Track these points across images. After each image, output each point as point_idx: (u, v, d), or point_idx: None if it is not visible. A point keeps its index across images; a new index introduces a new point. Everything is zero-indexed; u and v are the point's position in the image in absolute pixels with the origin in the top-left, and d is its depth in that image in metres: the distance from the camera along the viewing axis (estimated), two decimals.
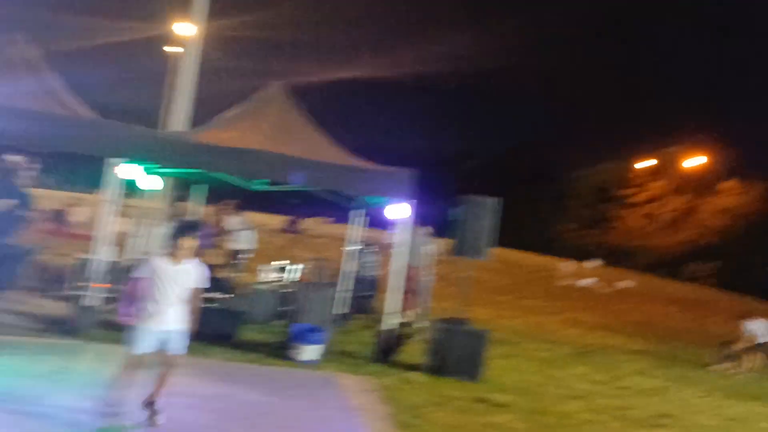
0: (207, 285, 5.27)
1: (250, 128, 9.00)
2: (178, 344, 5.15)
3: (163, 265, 5.06)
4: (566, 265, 27.79)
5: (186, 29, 13.82)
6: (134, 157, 8.27)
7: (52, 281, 10.32)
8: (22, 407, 5.03)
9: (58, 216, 18.04)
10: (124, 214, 15.48)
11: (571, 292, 24.18)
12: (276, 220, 24.09)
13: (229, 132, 8.90)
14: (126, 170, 8.18)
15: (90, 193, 21.87)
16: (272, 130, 9.05)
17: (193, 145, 8.24)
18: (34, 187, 27.47)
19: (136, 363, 4.98)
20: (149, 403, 5.12)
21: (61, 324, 7.89)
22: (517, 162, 53.01)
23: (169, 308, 5.02)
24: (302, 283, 9.10)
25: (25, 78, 8.32)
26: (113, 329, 8.03)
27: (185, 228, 5.20)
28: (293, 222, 24.45)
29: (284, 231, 23.46)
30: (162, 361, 5.12)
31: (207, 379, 6.71)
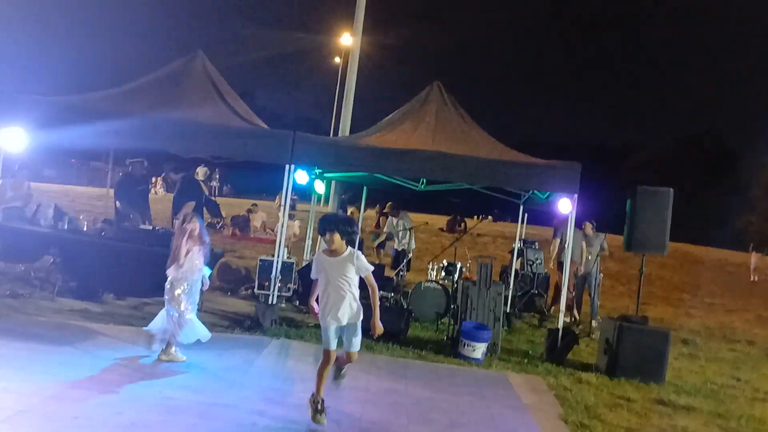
0: (371, 268, 5.27)
1: (411, 129, 9.19)
2: (353, 340, 5.27)
3: (324, 260, 5.24)
4: (754, 260, 25.47)
5: (348, 40, 14.39)
6: (307, 164, 8.76)
7: (238, 282, 11.19)
8: (211, 398, 5.48)
9: (241, 222, 19.43)
10: (298, 218, 16.47)
11: (759, 288, 22.16)
12: (439, 220, 24.36)
13: (393, 134, 9.14)
14: (300, 176, 8.67)
15: (268, 199, 23.38)
16: (433, 130, 9.17)
17: (360, 149, 8.55)
18: (219, 195, 29.95)
19: (327, 359, 5.20)
20: (317, 400, 5.24)
21: (246, 321, 8.51)
22: (694, 151, 49.47)
23: (339, 302, 5.13)
24: (468, 281, 9.11)
25: (205, 93, 9.06)
26: (293, 325, 8.61)
27: (327, 222, 5.26)
28: (456, 221, 24.51)
29: (447, 230, 23.58)
30: (340, 356, 5.31)
31: (379, 374, 6.93)
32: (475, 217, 33.70)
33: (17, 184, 10.26)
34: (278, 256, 8.57)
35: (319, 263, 5.28)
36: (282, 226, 8.74)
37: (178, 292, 6.48)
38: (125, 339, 7.01)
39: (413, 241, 12.62)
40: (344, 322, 5.17)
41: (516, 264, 11.84)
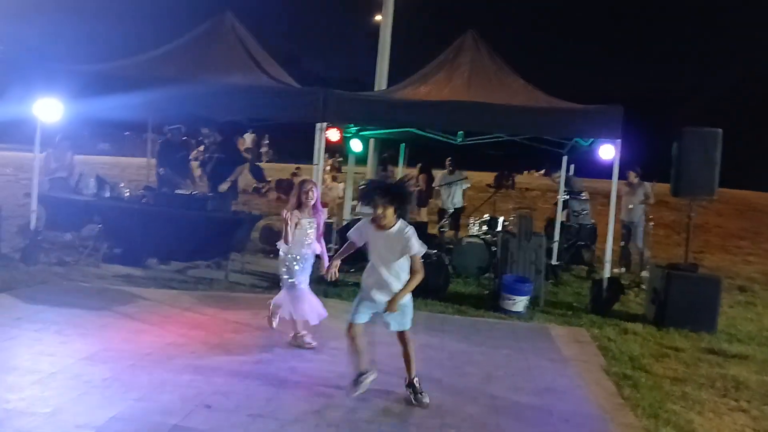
0: (420, 250, 4.55)
1: (445, 80, 8.93)
2: (395, 320, 4.71)
3: (370, 230, 4.63)
4: None
5: None
6: (339, 121, 8.62)
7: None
8: (243, 357, 5.48)
9: (286, 185, 19.48)
10: (337, 179, 16.39)
11: None
12: (482, 176, 23.93)
13: (426, 86, 8.91)
14: (332, 134, 8.54)
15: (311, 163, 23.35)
16: (468, 79, 8.89)
17: (391, 102, 8.36)
18: (266, 161, 30.06)
19: (354, 331, 4.67)
20: (408, 384, 4.80)
21: None
22: (750, 95, 47.20)
23: (380, 283, 4.56)
24: (508, 234, 8.89)
25: (235, 55, 8.96)
26: (330, 284, 8.56)
27: (377, 190, 4.52)
28: (503, 176, 24.02)
29: (494, 186, 23.16)
30: (398, 339, 4.82)
31: (414, 329, 6.71)
32: (525, 171, 33.02)
33: (60, 155, 10.44)
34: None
35: (363, 231, 4.67)
36: (318, 185, 8.64)
37: (288, 267, 5.82)
38: (163, 301, 7.09)
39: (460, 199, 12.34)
40: (382, 300, 4.60)
41: (562, 216, 11.51)
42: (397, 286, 4.59)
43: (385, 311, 4.60)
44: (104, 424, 3.88)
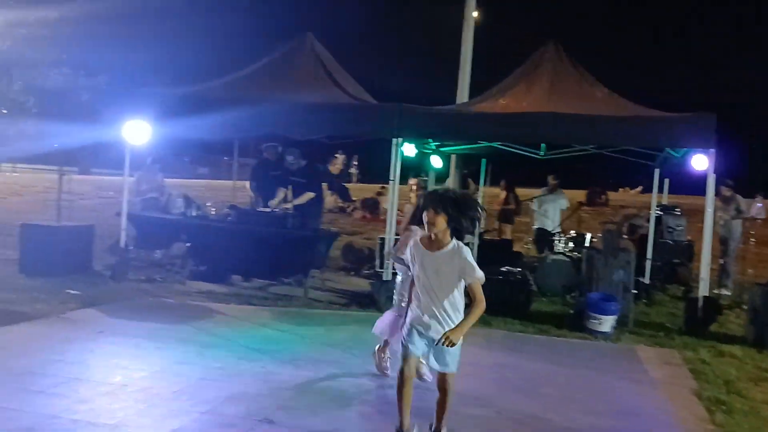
0: (481, 276, 3.86)
1: (525, 92, 8.70)
2: (444, 358, 3.92)
3: (420, 249, 3.91)
4: None
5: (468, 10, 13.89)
6: (415, 136, 8.55)
7: (361, 261, 11.23)
8: (312, 373, 5.42)
9: (371, 204, 19.60)
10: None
11: None
12: (572, 193, 23.27)
13: (505, 98, 8.70)
14: (407, 149, 8.47)
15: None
16: (548, 90, 8.62)
17: (465, 116, 8.21)
18: (355, 181, 30.41)
19: (409, 367, 3.94)
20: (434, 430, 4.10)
21: (363, 298, 8.47)
22: None
23: (429, 310, 3.87)
24: (593, 250, 8.49)
25: (314, 74, 9.08)
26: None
27: (433, 197, 3.85)
28: (595, 192, 23.25)
29: (587, 203, 22.44)
30: (439, 383, 4.05)
31: (491, 348, 6.61)
32: (620, 189, 31.88)
33: (150, 177, 10.87)
34: (389, 234, 8.43)
35: (413, 250, 3.93)
36: (392, 203, 8.59)
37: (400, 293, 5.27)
38: (240, 317, 7.18)
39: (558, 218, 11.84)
40: (431, 336, 3.88)
41: (656, 232, 10.93)
42: (453, 317, 3.86)
43: (440, 344, 3.78)
44: None
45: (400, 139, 8.20)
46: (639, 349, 6.88)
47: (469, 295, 3.90)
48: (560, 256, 10.00)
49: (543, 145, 10.49)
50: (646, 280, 10.10)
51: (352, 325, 7.03)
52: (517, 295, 8.36)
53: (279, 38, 10.23)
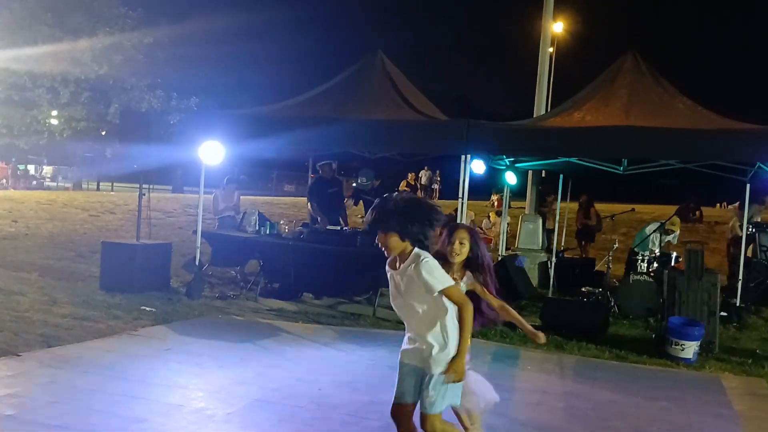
0: (446, 282, 3.26)
1: (601, 105, 8.36)
2: (428, 393, 3.28)
3: (389, 273, 3.42)
4: None
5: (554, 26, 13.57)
6: (484, 152, 8.34)
7: None
8: (368, 397, 5.29)
9: (449, 221, 19.33)
10: (511, 215, 15.95)
11: None
12: (656, 209, 22.22)
13: (580, 112, 8.39)
14: (477, 166, 8.27)
15: (480, 199, 23.13)
16: (626, 103, 8.24)
17: (536, 131, 7.95)
18: (436, 198, 30.25)
19: (403, 416, 3.44)
20: None
21: None
22: None
23: (409, 335, 3.41)
24: (676, 271, 8.00)
25: (384, 91, 9.04)
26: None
27: (376, 213, 3.29)
28: (688, 208, 22.08)
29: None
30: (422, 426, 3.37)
31: (561, 375, 6.32)
32: (718, 204, 30.26)
33: (227, 196, 11.10)
34: None
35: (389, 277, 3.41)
36: (461, 218, 8.39)
37: None
38: (305, 336, 7.15)
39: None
40: (409, 363, 3.36)
41: (747, 251, 10.21)
42: (436, 344, 3.27)
43: (438, 381, 3.25)
44: None
45: (469, 156, 8.03)
46: (724, 378, 6.39)
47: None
48: (643, 277, 9.49)
49: (624, 160, 10.04)
50: (737, 302, 9.43)
51: None
52: (594, 317, 7.98)
53: (355, 56, 10.20)
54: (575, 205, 13.60)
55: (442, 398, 3.28)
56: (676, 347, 6.98)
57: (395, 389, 3.38)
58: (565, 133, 7.76)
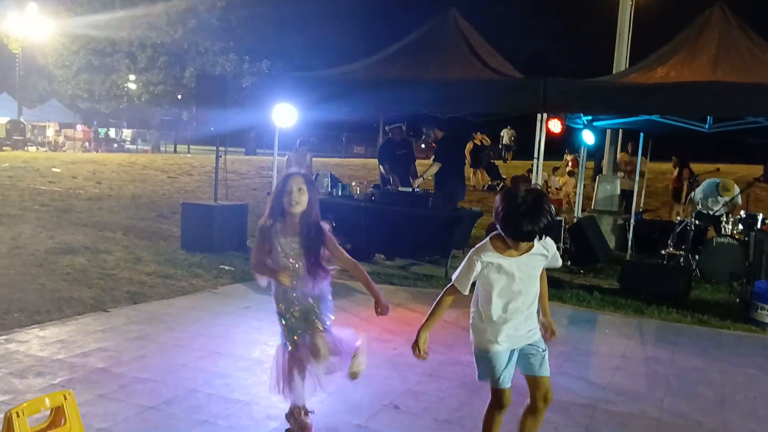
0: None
1: (686, 60, 7.93)
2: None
3: (499, 260, 3.09)
4: None
5: None
6: (561, 110, 8.10)
7: None
8: (442, 356, 5.31)
9: (522, 182, 19.04)
10: (574, 174, 15.56)
11: None
12: (741, 169, 21.19)
13: (664, 68, 7.99)
14: (553, 125, 8.05)
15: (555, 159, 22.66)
16: (714, 58, 7.79)
17: (615, 87, 7.64)
18: (509, 159, 29.68)
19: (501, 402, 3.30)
20: None
21: None
22: None
23: (522, 315, 3.20)
24: (763, 233, 7.64)
25: (457, 50, 8.85)
26: (553, 285, 8.07)
27: (534, 222, 2.92)
28: None
29: (764, 179, 20.39)
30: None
31: (642, 340, 6.16)
32: None
33: (299, 158, 11.21)
34: None
35: (484, 269, 3.13)
36: (536, 179, 8.23)
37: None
38: None
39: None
40: (526, 341, 3.22)
41: None
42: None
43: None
44: None
45: (545, 115, 7.81)
46: None
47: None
48: (728, 239, 9.12)
49: (709, 118, 9.57)
50: None
51: None
52: (676, 281, 7.73)
53: (428, 15, 10.00)
54: (655, 165, 13.14)
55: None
56: (763, 312, 6.71)
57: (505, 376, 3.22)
58: (648, 90, 7.43)
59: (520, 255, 3.09)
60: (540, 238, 3.04)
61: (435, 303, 3.34)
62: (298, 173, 3.60)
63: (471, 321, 3.31)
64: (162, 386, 4.31)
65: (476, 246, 3.20)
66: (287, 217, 3.53)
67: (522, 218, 2.91)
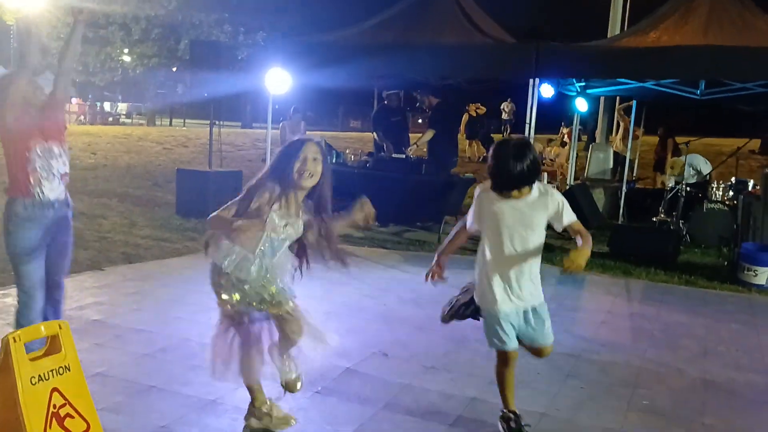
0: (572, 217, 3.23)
1: (679, 24, 7.94)
2: (545, 326, 3.34)
3: (495, 202, 3.19)
4: None
5: None
6: (554, 76, 8.14)
7: None
8: (432, 312, 5.40)
9: None
10: (563, 144, 15.60)
11: None
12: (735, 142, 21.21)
13: (656, 32, 8.01)
14: (545, 90, 8.09)
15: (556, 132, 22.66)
16: (705, 22, 7.81)
17: (607, 52, 7.67)
18: (509, 131, 29.27)
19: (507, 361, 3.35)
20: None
21: None
22: None
23: (521, 271, 3.22)
24: (751, 196, 7.74)
25: (450, 15, 8.85)
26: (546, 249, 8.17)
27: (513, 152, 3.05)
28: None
29: (760, 152, 20.48)
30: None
31: (628, 297, 6.29)
32: None
33: (294, 126, 11.24)
34: None
35: (484, 206, 3.25)
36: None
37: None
38: (371, 259, 7.32)
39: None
40: (528, 304, 3.26)
41: None
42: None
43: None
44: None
45: (537, 81, 7.84)
46: None
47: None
48: (718, 205, 9.21)
49: (701, 84, 9.61)
50: None
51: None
52: (664, 244, 7.84)
53: None
54: (647, 138, 13.18)
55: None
56: (749, 273, 6.82)
57: (508, 340, 3.30)
58: (639, 54, 7.44)
59: (517, 200, 3.16)
60: (528, 182, 3.12)
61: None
62: (313, 139, 3.07)
63: (476, 283, 3.39)
64: (157, 336, 4.41)
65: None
66: (290, 190, 2.96)
67: (508, 158, 3.04)
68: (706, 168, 10.55)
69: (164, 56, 30.38)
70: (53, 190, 3.54)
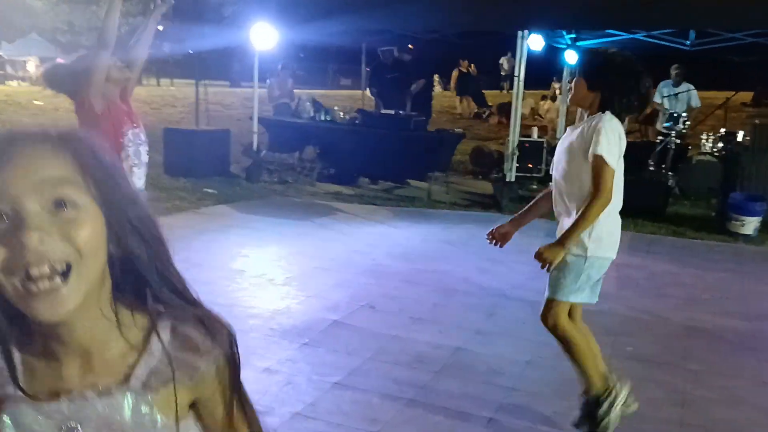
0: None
1: None
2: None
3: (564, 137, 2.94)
4: None
5: None
6: (543, 27, 8.05)
7: (490, 165, 10.99)
8: (421, 266, 5.44)
9: (509, 109, 18.97)
10: (553, 99, 15.50)
11: None
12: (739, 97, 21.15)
13: None
14: (534, 42, 8.01)
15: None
16: None
17: (591, 1, 7.56)
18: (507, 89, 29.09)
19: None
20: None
21: (486, 200, 8.33)
22: None
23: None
24: (740, 146, 7.74)
25: None
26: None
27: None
28: (765, 93, 20.98)
29: (752, 104, 20.45)
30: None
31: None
32: None
33: (282, 83, 11.13)
34: (513, 134, 8.13)
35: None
36: (516, 105, 8.22)
37: None
38: (361, 215, 7.31)
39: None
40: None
41: None
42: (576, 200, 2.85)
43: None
44: (269, 315, 4.10)
45: (526, 32, 7.75)
46: None
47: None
48: (707, 156, 9.21)
49: (691, 34, 9.52)
50: None
51: (470, 224, 6.92)
52: (652, 195, 7.84)
53: None
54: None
55: (563, 282, 2.87)
56: (737, 223, 6.85)
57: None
58: (629, 3, 7.37)
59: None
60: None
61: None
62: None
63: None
64: None
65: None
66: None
67: (641, 74, 2.75)
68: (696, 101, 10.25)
69: (149, 14, 29.80)
70: (140, 179, 3.40)
